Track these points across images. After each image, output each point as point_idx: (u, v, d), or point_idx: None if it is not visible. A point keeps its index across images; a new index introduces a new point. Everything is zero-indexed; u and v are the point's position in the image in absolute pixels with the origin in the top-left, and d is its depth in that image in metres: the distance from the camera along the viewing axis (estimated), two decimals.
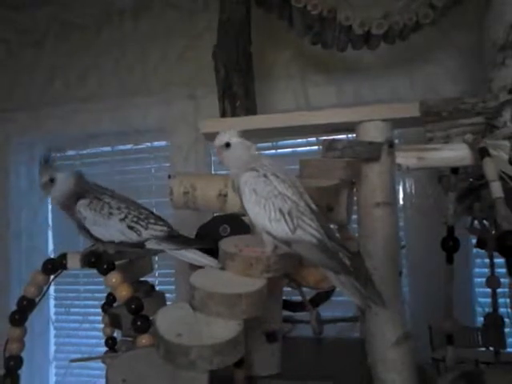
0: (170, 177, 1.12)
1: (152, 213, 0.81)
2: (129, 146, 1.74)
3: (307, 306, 1.18)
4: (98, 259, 0.76)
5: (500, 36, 0.97)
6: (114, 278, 0.73)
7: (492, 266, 0.93)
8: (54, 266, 0.79)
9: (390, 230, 0.99)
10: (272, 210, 0.64)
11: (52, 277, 0.80)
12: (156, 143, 1.72)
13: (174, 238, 0.77)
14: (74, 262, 0.78)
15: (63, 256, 0.79)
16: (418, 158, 0.61)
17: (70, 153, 1.80)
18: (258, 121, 1.02)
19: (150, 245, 0.76)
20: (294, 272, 0.87)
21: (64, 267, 0.79)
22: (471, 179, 0.70)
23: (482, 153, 0.56)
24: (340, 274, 0.63)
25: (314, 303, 1.35)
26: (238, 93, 1.04)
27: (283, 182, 0.66)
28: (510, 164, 0.56)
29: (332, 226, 1.14)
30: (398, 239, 1.03)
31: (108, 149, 1.76)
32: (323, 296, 1.34)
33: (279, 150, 1.58)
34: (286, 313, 1.26)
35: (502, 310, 0.96)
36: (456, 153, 0.58)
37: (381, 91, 1.48)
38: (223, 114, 1.07)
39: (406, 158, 0.62)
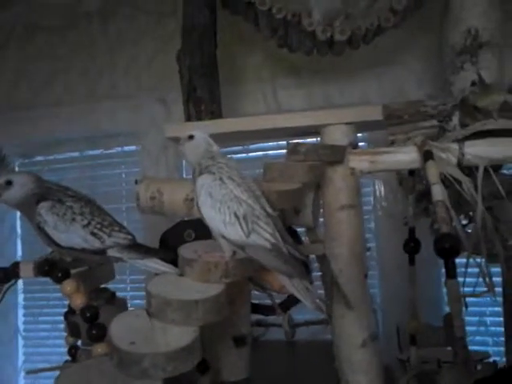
0: (136, 182, 1.11)
1: (115, 220, 0.80)
2: (98, 151, 1.71)
3: (276, 310, 1.18)
4: (53, 267, 0.74)
5: (458, 41, 0.98)
6: (69, 286, 0.71)
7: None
8: (7, 275, 0.77)
9: (355, 232, 0.99)
10: (227, 213, 0.64)
11: (6, 286, 0.78)
12: (126, 148, 1.70)
13: (136, 246, 0.76)
14: (27, 270, 0.76)
15: (16, 265, 0.77)
16: (370, 161, 0.62)
17: (38, 158, 1.77)
18: (222, 125, 1.02)
19: (111, 252, 0.75)
20: (258, 276, 0.87)
21: (17, 276, 0.77)
22: (425, 181, 0.71)
23: (426, 156, 0.56)
24: (294, 279, 0.63)
25: (285, 307, 1.36)
26: (203, 97, 1.04)
27: (239, 186, 0.66)
28: (459, 167, 0.57)
29: (300, 228, 1.15)
30: (363, 241, 1.04)
31: (77, 154, 1.73)
32: (293, 299, 1.34)
33: (250, 154, 1.58)
34: (259, 316, 1.26)
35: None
36: (406, 156, 0.58)
37: (350, 94, 1.50)
38: (188, 119, 1.06)
39: (358, 162, 0.62)
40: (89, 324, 0.67)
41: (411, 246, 0.72)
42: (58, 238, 0.73)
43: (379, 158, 0.62)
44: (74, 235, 0.73)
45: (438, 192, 0.55)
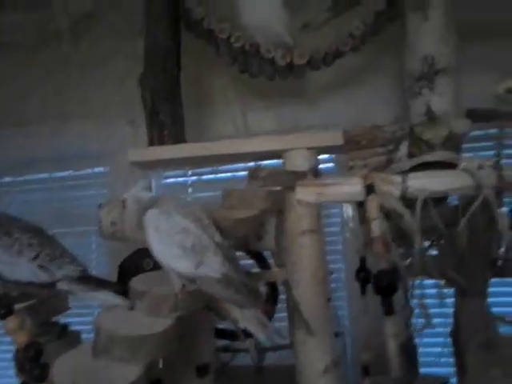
0: (100, 206, 1.10)
1: (66, 251, 0.78)
2: (67, 173, 1.69)
3: (240, 336, 1.16)
4: None
5: (416, 67, 1.00)
6: (12, 323, 0.69)
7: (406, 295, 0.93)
8: None
9: (317, 257, 0.99)
10: (174, 246, 0.63)
11: None
12: (96, 169, 1.68)
13: (87, 279, 0.74)
14: None
15: None
16: (317, 193, 0.62)
17: (7, 179, 1.74)
18: (185, 149, 1.01)
19: (60, 285, 0.73)
20: (214, 305, 0.86)
21: None
22: None
23: (368, 190, 0.57)
24: (245, 309, 0.63)
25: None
26: (166, 121, 1.03)
27: (186, 217, 0.66)
28: (403, 199, 0.57)
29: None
30: (325, 266, 1.04)
31: (46, 175, 1.71)
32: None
33: (219, 175, 1.58)
34: (227, 342, 1.24)
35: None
36: (352, 188, 0.58)
37: (318, 116, 1.50)
38: (151, 143, 1.06)
39: (305, 194, 0.62)
40: (29, 364, 0.64)
41: (362, 276, 0.72)
42: (2, 271, 0.71)
43: (326, 190, 0.62)
44: (21, 269, 0.71)
45: (377, 228, 0.55)
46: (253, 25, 1.00)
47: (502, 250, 0.96)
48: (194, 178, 1.62)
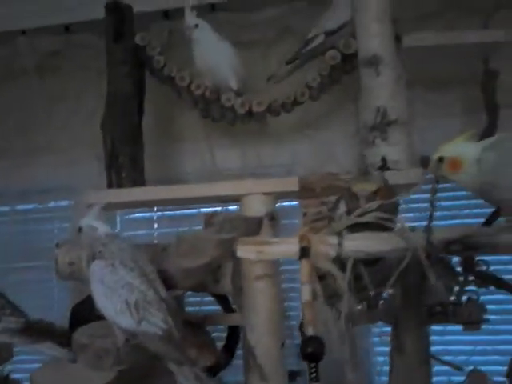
0: (57, 245, 1.09)
1: (9, 301, 0.77)
2: (31, 206, 1.67)
3: None
4: None
5: (369, 118, 1.04)
6: None
7: None
8: None
9: (272, 302, 1.00)
10: (118, 301, 0.64)
11: None
12: (60, 203, 1.67)
13: (29, 330, 0.73)
14: None
15: None
16: (257, 251, 0.63)
17: None
18: (139, 193, 1.02)
19: (1, 338, 0.72)
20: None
21: None
22: None
23: (302, 253, 0.58)
24: (184, 366, 0.63)
25: (213, 371, 1.33)
26: (124, 164, 1.04)
27: (132, 271, 0.66)
28: (338, 261, 0.59)
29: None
30: (281, 311, 1.05)
31: (7, 208, 1.69)
32: (222, 363, 1.32)
33: (185, 211, 1.58)
34: None
35: None
36: (290, 248, 0.60)
37: (283, 156, 1.52)
38: (110, 185, 1.06)
39: (246, 252, 0.63)
40: None
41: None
42: None
43: (266, 248, 0.63)
44: None
45: (306, 292, 0.56)
46: (203, 67, 1.03)
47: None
48: (160, 213, 1.62)
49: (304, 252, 0.58)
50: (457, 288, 1.01)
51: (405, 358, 0.67)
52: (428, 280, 0.65)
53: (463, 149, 0.60)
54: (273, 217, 1.02)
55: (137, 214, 1.63)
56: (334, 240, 0.60)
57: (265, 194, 1.02)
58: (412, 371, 0.62)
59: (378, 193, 0.68)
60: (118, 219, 1.61)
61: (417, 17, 1.37)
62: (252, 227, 0.96)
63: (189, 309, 1.39)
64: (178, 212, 1.57)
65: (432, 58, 1.21)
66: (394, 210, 0.69)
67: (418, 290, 0.62)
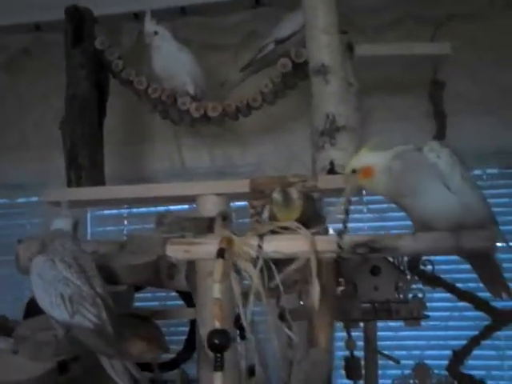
0: (19, 241, 1.13)
1: None
2: (2, 201, 1.70)
3: (155, 369, 1.20)
4: None
5: (319, 123, 1.09)
6: None
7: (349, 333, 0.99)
8: None
9: (224, 298, 1.04)
10: (54, 294, 0.68)
11: None
12: (32, 198, 1.70)
13: None
14: None
15: None
16: (185, 251, 0.67)
17: None
18: (97, 192, 1.06)
19: None
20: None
21: None
22: None
23: (218, 253, 0.63)
24: (114, 359, 0.67)
25: (174, 363, 1.38)
26: (83, 164, 1.08)
27: (70, 267, 0.70)
28: (258, 261, 0.63)
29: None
30: (233, 307, 1.09)
31: None
32: (185, 355, 1.37)
33: (154, 208, 1.62)
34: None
35: None
36: (211, 248, 0.64)
37: (249, 156, 1.57)
38: (69, 184, 1.10)
39: (175, 251, 0.67)
40: None
41: (240, 323, 0.77)
42: None
43: (192, 248, 0.67)
44: None
45: (216, 291, 0.60)
46: (162, 73, 1.07)
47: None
48: (130, 210, 1.65)
49: (220, 253, 0.63)
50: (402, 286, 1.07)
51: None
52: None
53: (374, 157, 0.65)
54: (225, 217, 1.06)
55: (107, 211, 1.66)
56: (254, 241, 0.65)
57: (218, 194, 1.06)
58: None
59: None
60: (89, 216, 1.64)
61: (376, 26, 1.43)
62: (202, 227, 1.00)
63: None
64: (147, 209, 1.61)
65: (388, 66, 1.26)
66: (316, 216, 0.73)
67: (332, 290, 0.67)
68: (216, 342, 0.56)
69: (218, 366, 0.56)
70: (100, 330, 0.67)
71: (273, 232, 0.67)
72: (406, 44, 1.12)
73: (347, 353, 0.95)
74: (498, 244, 0.65)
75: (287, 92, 1.21)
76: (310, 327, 0.68)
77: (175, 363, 1.37)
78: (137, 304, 1.44)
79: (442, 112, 1.15)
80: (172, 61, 1.10)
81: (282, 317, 0.97)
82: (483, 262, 0.67)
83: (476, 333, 1.10)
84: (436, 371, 1.08)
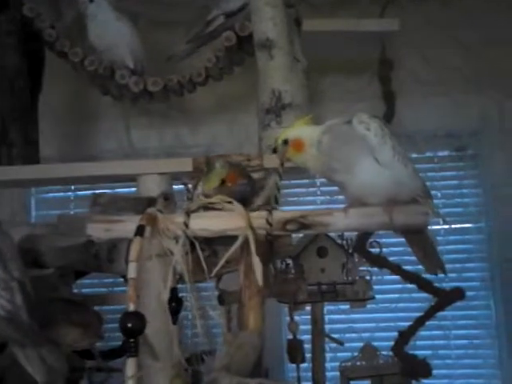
0: None
1: None
2: None
3: (97, 359, 1.16)
4: None
5: (265, 100, 1.05)
6: None
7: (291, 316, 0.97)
8: None
9: (163, 281, 1.01)
10: None
11: None
12: None
13: None
14: None
15: None
16: (106, 229, 0.63)
17: None
18: (29, 171, 1.00)
19: None
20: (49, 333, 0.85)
21: None
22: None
23: (137, 231, 0.59)
24: (26, 348, 0.62)
25: (122, 351, 1.34)
26: (15, 141, 1.01)
27: None
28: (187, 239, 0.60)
29: None
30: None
31: None
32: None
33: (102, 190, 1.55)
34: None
35: None
36: (133, 226, 0.60)
37: (201, 136, 1.53)
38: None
39: (95, 230, 0.63)
40: None
41: (174, 306, 0.74)
42: None
43: (113, 226, 0.63)
44: None
45: (132, 270, 0.57)
46: (98, 44, 1.01)
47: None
48: (78, 192, 1.59)
49: (138, 230, 0.59)
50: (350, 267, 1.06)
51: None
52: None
53: (305, 131, 0.62)
54: (167, 197, 1.01)
55: (52, 194, 1.59)
56: (180, 219, 0.61)
57: (160, 174, 1.02)
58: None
59: (225, 181, 0.69)
60: (33, 199, 1.57)
61: (332, 2, 1.40)
62: (141, 207, 0.95)
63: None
64: (93, 191, 1.54)
65: (341, 45, 1.23)
66: (253, 189, 0.70)
67: (265, 270, 0.64)
68: (129, 325, 0.52)
69: (133, 351, 0.53)
70: (12, 316, 0.62)
71: (208, 209, 0.63)
72: (354, 20, 1.09)
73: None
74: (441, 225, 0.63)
75: (235, 68, 1.16)
76: (240, 309, 0.65)
77: (121, 351, 1.33)
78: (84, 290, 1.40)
79: (391, 92, 1.13)
80: (109, 31, 1.04)
81: (220, 299, 0.95)
82: (417, 238, 0.66)
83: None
84: (384, 352, 1.06)
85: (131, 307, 0.54)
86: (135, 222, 0.61)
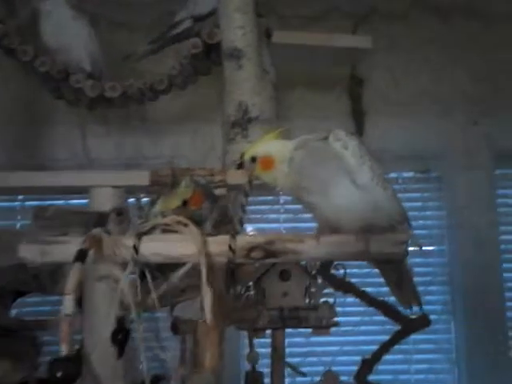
0: None
1: None
2: None
3: None
4: None
5: (231, 113, 0.99)
6: None
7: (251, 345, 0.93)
8: None
9: (113, 305, 0.93)
10: None
11: None
12: None
13: None
14: None
15: None
16: (42, 252, 0.54)
17: None
18: None
19: None
20: None
21: None
22: None
23: (78, 256, 0.51)
24: None
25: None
26: None
27: None
28: (135, 265, 0.53)
29: None
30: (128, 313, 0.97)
31: None
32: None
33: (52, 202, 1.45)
34: None
35: None
36: (73, 249, 0.53)
37: (163, 147, 1.46)
38: None
39: (29, 252, 0.55)
40: None
41: (120, 338, 0.66)
42: None
43: (50, 248, 0.55)
44: None
45: (69, 305, 0.49)
46: (52, 44, 0.94)
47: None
48: (26, 203, 1.48)
49: (79, 255, 0.51)
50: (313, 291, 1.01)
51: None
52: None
53: (275, 146, 0.57)
54: (120, 212, 0.94)
55: None
56: (129, 242, 0.54)
57: (113, 187, 0.94)
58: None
59: (187, 204, 0.62)
60: None
61: (302, 16, 1.37)
62: (90, 223, 0.87)
63: None
64: (43, 202, 1.44)
65: (309, 60, 1.20)
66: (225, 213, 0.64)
67: (224, 299, 0.57)
68: (59, 374, 0.44)
69: None
70: None
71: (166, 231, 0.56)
72: (327, 35, 1.06)
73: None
74: (410, 248, 0.59)
75: (200, 77, 1.10)
76: (195, 345, 0.58)
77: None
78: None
79: (361, 110, 1.10)
80: (64, 30, 0.96)
81: (174, 328, 0.87)
82: (393, 268, 0.61)
83: (386, 338, 1.06)
84: (346, 377, 1.02)
85: (64, 350, 0.46)
86: (77, 244, 0.53)
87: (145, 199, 0.99)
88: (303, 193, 0.56)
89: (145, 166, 1.42)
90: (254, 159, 0.57)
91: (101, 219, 0.89)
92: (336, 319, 0.97)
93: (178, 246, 0.54)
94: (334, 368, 1.02)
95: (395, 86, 1.32)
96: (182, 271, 0.52)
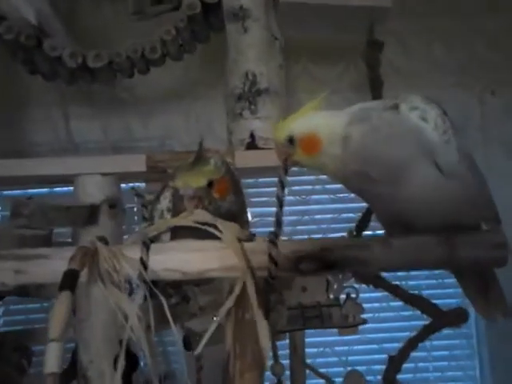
0: None
1: None
2: None
3: None
4: None
5: (237, 85, 0.86)
6: None
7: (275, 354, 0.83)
8: None
9: (111, 312, 0.81)
10: None
11: None
12: None
13: None
14: None
15: None
16: (16, 271, 0.41)
17: None
18: None
19: None
20: None
21: None
22: None
23: (63, 280, 0.38)
24: None
25: None
26: None
27: None
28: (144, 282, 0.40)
29: None
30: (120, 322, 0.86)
31: None
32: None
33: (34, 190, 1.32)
34: None
35: None
36: (64, 265, 0.40)
37: (153, 128, 1.35)
38: None
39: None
40: None
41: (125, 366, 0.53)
42: None
43: (27, 266, 0.41)
44: None
45: (53, 359, 0.35)
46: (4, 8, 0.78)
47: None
48: (4, 192, 1.34)
49: (68, 279, 0.37)
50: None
51: None
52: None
53: (320, 121, 0.42)
54: (113, 204, 0.81)
55: None
56: (135, 253, 0.40)
57: (103, 174, 0.81)
58: None
59: (212, 187, 0.49)
60: None
61: None
62: (79, 218, 0.75)
63: None
64: (23, 192, 1.31)
65: (317, 27, 1.07)
66: (240, 208, 0.51)
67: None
68: None
69: None
70: None
71: (174, 232, 0.42)
72: None
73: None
74: None
75: (197, 45, 0.96)
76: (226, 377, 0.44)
77: None
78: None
79: (379, 78, 0.98)
80: None
81: (186, 343, 0.74)
82: (478, 276, 0.47)
83: (409, 334, 0.96)
84: (371, 377, 0.95)
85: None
86: (63, 259, 0.39)
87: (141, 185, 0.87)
88: (365, 182, 0.42)
89: (135, 149, 1.31)
90: (291, 140, 0.43)
91: (92, 214, 0.76)
92: (363, 316, 0.86)
93: (203, 257, 0.40)
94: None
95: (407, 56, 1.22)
96: (232, 297, 0.37)
